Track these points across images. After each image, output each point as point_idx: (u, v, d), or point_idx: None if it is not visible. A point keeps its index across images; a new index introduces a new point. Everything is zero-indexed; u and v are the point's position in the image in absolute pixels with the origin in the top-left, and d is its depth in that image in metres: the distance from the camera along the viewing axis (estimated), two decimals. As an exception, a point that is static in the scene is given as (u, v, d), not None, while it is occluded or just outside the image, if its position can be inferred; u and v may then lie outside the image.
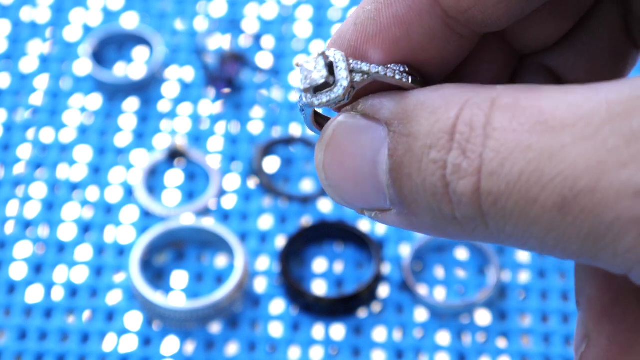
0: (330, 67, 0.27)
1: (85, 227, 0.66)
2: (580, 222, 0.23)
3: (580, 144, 0.23)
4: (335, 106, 0.28)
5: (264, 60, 0.74)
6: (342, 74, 0.27)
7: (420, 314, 0.63)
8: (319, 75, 0.27)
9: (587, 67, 0.31)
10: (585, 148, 0.23)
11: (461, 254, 0.66)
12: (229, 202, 0.67)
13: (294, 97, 0.72)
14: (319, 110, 0.29)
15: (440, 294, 0.64)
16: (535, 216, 0.24)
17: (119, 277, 0.64)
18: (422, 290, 0.64)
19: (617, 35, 0.30)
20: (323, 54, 0.27)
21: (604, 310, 0.28)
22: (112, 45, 0.74)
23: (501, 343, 0.62)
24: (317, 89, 0.27)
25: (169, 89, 0.72)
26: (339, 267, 0.65)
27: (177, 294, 0.64)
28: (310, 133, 0.70)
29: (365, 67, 0.28)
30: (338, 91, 0.27)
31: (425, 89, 0.27)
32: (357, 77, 0.27)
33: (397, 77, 0.28)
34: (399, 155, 0.26)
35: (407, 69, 0.28)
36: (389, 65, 0.28)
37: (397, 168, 0.26)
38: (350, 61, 0.27)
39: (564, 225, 0.23)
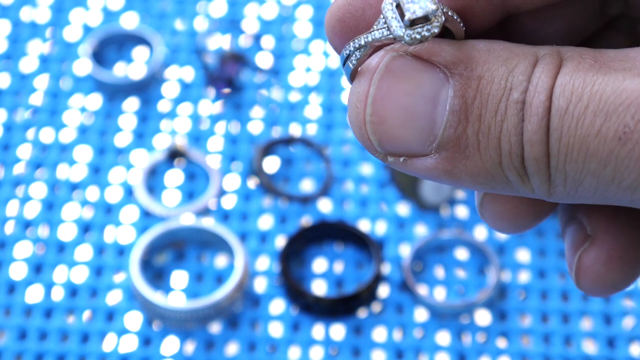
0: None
1: (85, 227, 0.66)
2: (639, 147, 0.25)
3: None
4: (414, 47, 0.27)
5: (264, 60, 0.74)
6: (439, 8, 0.27)
7: (420, 314, 0.63)
8: (430, 8, 0.27)
9: (563, 35, 0.31)
10: None
11: (461, 254, 0.66)
12: (229, 202, 0.67)
13: (293, 97, 0.72)
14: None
15: (440, 294, 0.64)
16: (594, 149, 0.25)
17: (119, 277, 0.64)
18: (422, 290, 0.64)
19: (594, 9, 0.31)
20: None
21: (612, 216, 0.30)
22: (112, 45, 0.74)
23: (501, 343, 0.62)
24: (413, 23, 0.27)
25: (169, 89, 0.72)
26: (339, 267, 0.65)
27: (177, 294, 0.64)
28: (310, 132, 0.70)
29: (445, 8, 0.27)
30: (434, 29, 0.27)
31: (476, 40, 0.28)
32: (443, 18, 0.27)
33: (462, 25, 0.28)
34: (469, 96, 0.27)
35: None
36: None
37: (466, 109, 0.27)
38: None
39: (623, 154, 0.25)
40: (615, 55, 0.26)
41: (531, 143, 0.26)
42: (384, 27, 0.27)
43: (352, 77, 0.29)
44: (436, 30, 0.27)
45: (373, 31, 0.28)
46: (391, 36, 0.27)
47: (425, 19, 0.27)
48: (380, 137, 0.28)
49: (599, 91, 0.25)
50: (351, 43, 0.28)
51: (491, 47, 0.27)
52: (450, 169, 0.27)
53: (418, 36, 0.27)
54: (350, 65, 0.28)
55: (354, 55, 0.28)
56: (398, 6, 0.27)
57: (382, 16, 0.27)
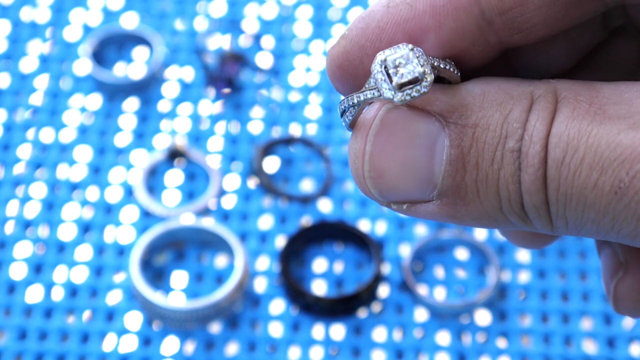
0: (419, 62, 0.27)
1: (85, 227, 0.66)
2: (635, 203, 0.25)
3: (636, 131, 0.25)
4: (406, 102, 0.27)
5: (264, 60, 0.74)
6: (427, 69, 0.27)
7: (420, 314, 0.63)
8: (418, 70, 0.27)
9: (567, 55, 0.31)
10: None
11: (461, 254, 0.66)
12: (229, 202, 0.67)
13: (293, 97, 0.72)
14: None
15: (440, 294, 0.64)
16: (592, 200, 0.25)
17: (119, 277, 0.64)
18: (422, 290, 0.64)
19: (596, 26, 0.31)
20: (412, 50, 0.27)
21: None
22: (112, 45, 0.74)
23: (501, 343, 0.62)
24: (402, 86, 0.27)
25: (169, 89, 0.72)
26: (339, 267, 0.65)
27: (177, 294, 0.64)
28: (310, 132, 0.70)
29: (436, 62, 0.27)
30: (423, 89, 0.27)
31: (472, 83, 0.27)
32: (434, 73, 0.27)
33: (456, 72, 0.28)
34: (465, 145, 0.27)
35: (452, 62, 0.28)
36: (445, 59, 0.28)
37: (463, 158, 0.27)
38: (429, 57, 0.27)
39: (620, 207, 0.25)
40: (610, 94, 0.26)
41: (529, 192, 0.26)
42: (375, 88, 0.27)
43: (350, 128, 0.29)
44: (425, 90, 0.27)
45: (365, 91, 0.28)
46: (381, 97, 0.27)
47: (414, 80, 0.27)
48: (381, 189, 0.28)
49: (594, 144, 0.25)
50: (345, 100, 0.29)
51: (486, 90, 0.27)
52: (453, 214, 0.28)
53: (408, 97, 0.27)
54: (347, 120, 0.29)
55: (349, 111, 0.28)
56: (387, 67, 0.27)
57: (372, 77, 0.27)
